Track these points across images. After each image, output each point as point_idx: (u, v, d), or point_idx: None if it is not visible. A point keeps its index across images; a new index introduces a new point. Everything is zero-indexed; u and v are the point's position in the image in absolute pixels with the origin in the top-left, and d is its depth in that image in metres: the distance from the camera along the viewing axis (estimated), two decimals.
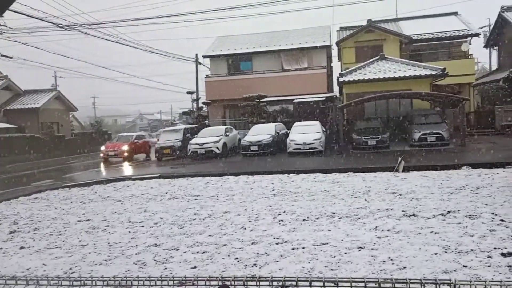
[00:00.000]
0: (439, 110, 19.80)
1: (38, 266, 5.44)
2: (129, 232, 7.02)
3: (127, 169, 18.13)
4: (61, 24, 19.10)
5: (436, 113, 18.92)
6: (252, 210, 8.11)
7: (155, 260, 5.45)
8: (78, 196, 11.22)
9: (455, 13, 27.66)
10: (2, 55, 22.89)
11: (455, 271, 4.43)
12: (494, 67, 32.34)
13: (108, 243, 6.42)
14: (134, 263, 5.42)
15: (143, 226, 7.36)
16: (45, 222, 8.19)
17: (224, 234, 6.49)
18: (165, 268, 5.12)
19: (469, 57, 25.06)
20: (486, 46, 30.92)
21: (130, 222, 7.77)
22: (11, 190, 12.80)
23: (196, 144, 19.24)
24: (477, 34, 25.62)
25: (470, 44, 25.16)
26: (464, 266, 4.53)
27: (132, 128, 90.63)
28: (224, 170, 14.28)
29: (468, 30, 25.03)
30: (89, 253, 5.96)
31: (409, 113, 19.27)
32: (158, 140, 23.16)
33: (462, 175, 10.57)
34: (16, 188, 13.16)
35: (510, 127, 19.77)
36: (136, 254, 5.78)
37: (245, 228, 6.76)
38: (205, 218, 7.70)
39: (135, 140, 23.54)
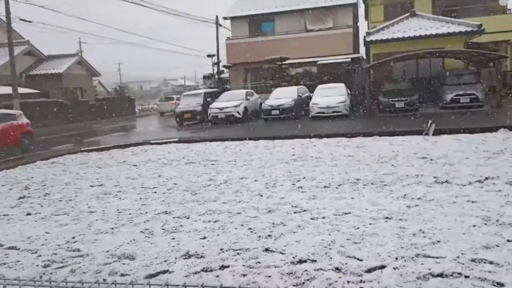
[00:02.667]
0: (474, 70, 18.52)
1: (40, 234, 5.17)
2: (140, 198, 6.69)
3: None
4: None
5: (471, 72, 17.67)
6: (270, 176, 7.64)
7: (163, 229, 5.08)
8: (95, 161, 11.01)
9: None
10: (20, 19, 22.61)
11: (497, 246, 3.86)
12: None
13: (117, 209, 6.11)
14: (141, 231, 5.07)
15: (155, 192, 7.02)
16: (57, 187, 7.97)
17: (239, 202, 6.06)
18: (173, 238, 4.74)
19: (508, 12, 23.19)
20: None
21: (142, 187, 7.44)
22: (30, 155, 12.74)
23: (217, 108, 18.78)
24: None
25: None
26: (508, 241, 3.95)
27: (157, 94, 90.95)
28: (244, 135, 13.82)
29: None
30: (96, 220, 5.65)
31: (441, 73, 18.09)
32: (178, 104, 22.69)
33: (499, 138, 9.73)
34: (35, 153, 13.07)
35: None
36: (144, 222, 5.43)
37: (261, 195, 6.31)
38: (221, 184, 7.29)
39: None
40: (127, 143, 14.09)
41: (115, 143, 14.17)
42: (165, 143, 13.58)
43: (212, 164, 9.37)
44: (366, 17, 26.49)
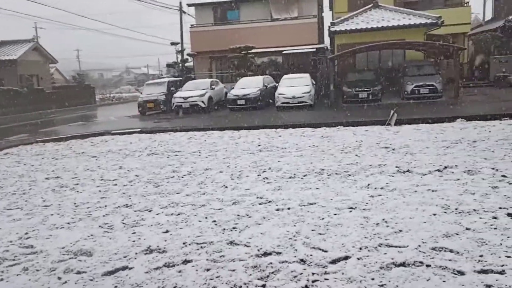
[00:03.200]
0: (433, 61, 19.06)
1: None
2: (100, 191, 6.42)
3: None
4: None
5: (430, 64, 18.16)
6: (236, 166, 7.55)
7: (123, 223, 4.89)
8: (51, 152, 10.52)
9: None
10: None
11: (457, 234, 3.94)
12: (488, 17, 31.29)
13: (75, 203, 5.84)
14: (100, 226, 4.86)
15: (116, 185, 6.77)
16: (10, 180, 7.55)
17: (203, 194, 5.94)
18: (134, 233, 4.56)
19: (466, 5, 23.97)
20: None
21: (102, 180, 7.17)
22: None
23: (181, 97, 18.38)
24: None
25: None
26: (467, 229, 4.05)
27: (119, 83, 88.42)
28: (208, 125, 13.62)
29: None
30: (52, 214, 5.37)
31: (402, 65, 18.49)
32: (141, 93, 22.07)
33: (457, 128, 10.06)
34: None
35: (505, 78, 19.19)
36: (103, 216, 5.21)
37: (226, 187, 6.21)
38: (184, 175, 7.13)
39: None
40: (86, 133, 13.59)
41: (74, 133, 13.62)
42: (127, 133, 13.19)
43: (176, 155, 9.16)
44: (331, 7, 26.69)
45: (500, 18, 24.91)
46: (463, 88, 18.50)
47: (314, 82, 18.96)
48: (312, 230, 4.29)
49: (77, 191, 6.50)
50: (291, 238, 4.13)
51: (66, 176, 7.63)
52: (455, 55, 16.80)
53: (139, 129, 13.63)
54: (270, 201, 5.35)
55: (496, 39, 22.16)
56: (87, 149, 10.70)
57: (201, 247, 4.07)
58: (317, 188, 5.80)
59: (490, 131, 9.29)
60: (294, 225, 4.46)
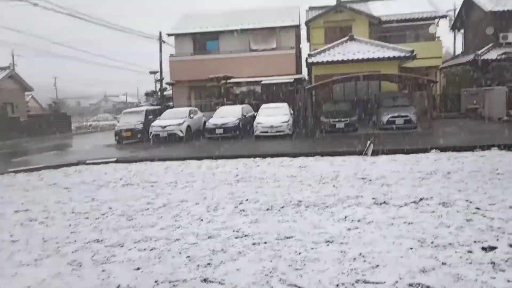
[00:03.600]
0: (407, 93, 19.58)
1: None
2: (70, 225, 6.19)
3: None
4: None
5: (404, 96, 18.68)
6: (212, 198, 7.43)
7: (93, 260, 4.69)
8: (22, 183, 10.17)
9: None
10: None
11: (433, 269, 3.92)
12: (458, 51, 32.65)
13: (43, 238, 5.59)
14: (68, 263, 4.65)
15: (87, 218, 6.54)
16: None
17: (178, 227, 5.79)
18: (103, 270, 4.37)
19: (437, 39, 24.98)
20: (452, 28, 30.98)
21: (73, 213, 6.92)
22: None
23: (159, 126, 18.26)
24: (444, 16, 25.55)
25: (438, 26, 25.05)
26: (443, 264, 4.03)
27: (97, 111, 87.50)
28: (186, 154, 13.49)
29: (436, 12, 24.89)
30: (18, 250, 5.12)
31: (377, 96, 18.95)
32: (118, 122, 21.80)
33: (431, 159, 10.24)
34: None
35: (475, 110, 19.83)
36: (72, 252, 4.99)
37: (202, 220, 6.08)
38: (159, 207, 6.96)
39: None
40: (59, 163, 13.24)
41: (47, 164, 13.25)
42: (102, 163, 12.92)
43: (152, 186, 8.98)
44: (308, 39, 27.37)
45: (470, 52, 26.01)
46: (435, 119, 19.00)
47: (292, 112, 19.17)
48: (289, 266, 4.20)
49: (47, 225, 6.24)
50: (267, 274, 4.02)
51: (36, 209, 7.34)
52: (428, 87, 17.32)
53: (114, 159, 13.38)
54: (246, 235, 5.24)
55: (466, 72, 23.03)
56: (60, 180, 10.39)
57: (174, 285, 3.91)
58: (294, 221, 5.73)
59: (463, 163, 9.47)
60: (271, 261, 4.36)
